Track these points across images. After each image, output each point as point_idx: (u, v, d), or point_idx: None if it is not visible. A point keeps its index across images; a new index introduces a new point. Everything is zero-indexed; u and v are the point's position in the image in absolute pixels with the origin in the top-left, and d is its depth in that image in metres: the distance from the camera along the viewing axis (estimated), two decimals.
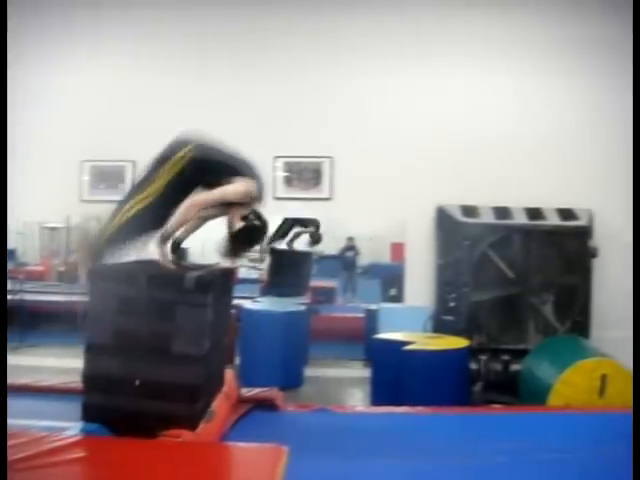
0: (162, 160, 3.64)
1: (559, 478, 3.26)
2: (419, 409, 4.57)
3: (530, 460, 3.49)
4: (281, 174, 7.15)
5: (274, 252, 8.42)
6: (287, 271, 8.30)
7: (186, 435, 3.17)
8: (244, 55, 7.26)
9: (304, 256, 8.57)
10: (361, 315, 7.85)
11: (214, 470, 3.00)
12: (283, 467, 2.89)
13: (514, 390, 5.78)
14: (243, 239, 3.71)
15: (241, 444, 3.31)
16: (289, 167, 7.18)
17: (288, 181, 7.19)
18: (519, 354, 6.07)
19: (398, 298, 7.40)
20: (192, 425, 3.24)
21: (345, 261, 9.35)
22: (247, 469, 3.05)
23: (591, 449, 3.68)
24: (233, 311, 5.09)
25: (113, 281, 3.40)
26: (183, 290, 3.31)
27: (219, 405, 3.68)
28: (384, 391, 5.49)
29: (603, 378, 5.03)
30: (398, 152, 7.14)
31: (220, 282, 3.64)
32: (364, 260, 9.33)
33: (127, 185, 6.44)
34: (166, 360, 3.28)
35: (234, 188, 3.62)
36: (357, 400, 6.22)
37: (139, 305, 3.32)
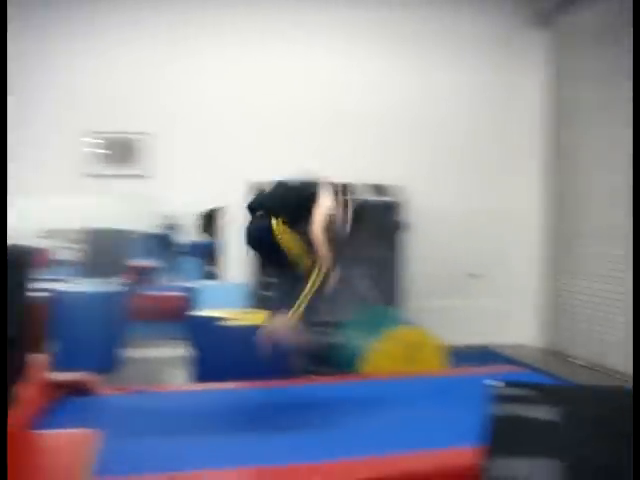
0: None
1: (389, 440, 3.44)
2: (238, 384, 4.62)
3: (353, 426, 3.68)
4: (99, 150, 6.96)
5: (90, 231, 8.15)
6: (103, 250, 8.06)
7: None
8: (64, 27, 7.01)
9: (121, 235, 8.35)
10: (182, 294, 7.78)
11: (16, 459, 2.86)
12: (93, 452, 2.84)
13: (331, 361, 5.96)
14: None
15: (48, 431, 3.20)
16: (110, 143, 7.00)
17: (109, 157, 7.01)
18: (335, 326, 6.25)
19: (219, 275, 7.41)
20: None
21: (166, 239, 9.21)
22: (53, 456, 2.95)
23: (409, 410, 3.97)
24: (44, 293, 4.90)
25: None
26: None
27: (23, 392, 3.53)
28: (204, 368, 5.48)
29: (413, 346, 5.30)
30: (221, 131, 7.15)
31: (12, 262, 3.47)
32: (185, 238, 9.23)
33: None
34: None
35: (326, 200, 4.16)
36: (179, 379, 6.18)
37: None
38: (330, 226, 4.12)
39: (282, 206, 4.18)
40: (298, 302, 3.97)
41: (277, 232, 4.01)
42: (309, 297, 3.95)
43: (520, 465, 1.74)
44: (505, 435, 1.88)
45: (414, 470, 3.12)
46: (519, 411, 1.98)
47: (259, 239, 4.17)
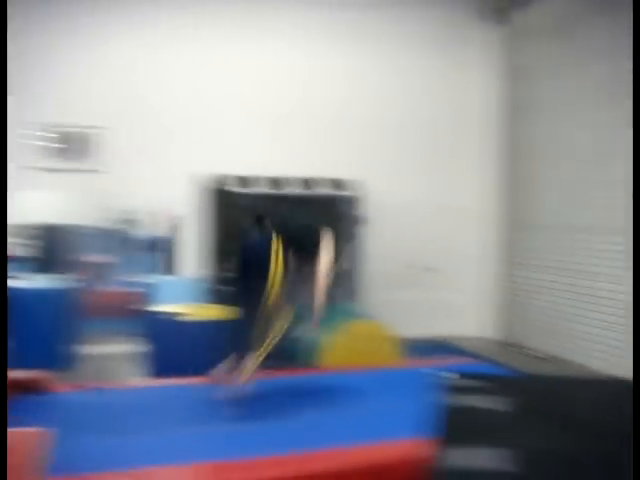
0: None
1: (344, 432, 3.48)
2: (194, 379, 4.60)
3: (308, 419, 3.71)
4: (52, 144, 6.86)
5: (43, 227, 8.04)
6: (57, 246, 7.96)
7: None
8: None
9: (75, 230, 8.24)
10: (138, 289, 7.71)
11: None
12: (46, 451, 2.80)
13: (289, 355, 5.96)
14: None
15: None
16: (64, 137, 6.91)
17: (63, 152, 6.92)
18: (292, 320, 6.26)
19: (173, 270, 7.36)
20: None
21: (121, 235, 9.12)
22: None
23: (365, 402, 4.06)
24: None
25: None
26: None
27: None
28: (161, 364, 5.45)
29: (369, 339, 5.32)
30: (177, 126, 7.10)
31: None
32: (141, 233, 9.15)
33: None
34: None
35: (328, 250, 4.14)
36: (135, 375, 6.13)
37: None
38: (329, 277, 4.11)
39: (290, 227, 4.14)
40: (264, 346, 3.91)
41: (273, 247, 3.95)
42: (275, 342, 3.90)
43: (473, 455, 1.76)
44: (458, 426, 1.90)
45: (368, 462, 3.15)
46: (472, 402, 2.01)
47: (253, 246, 4.12)
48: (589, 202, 6.59)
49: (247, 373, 3.85)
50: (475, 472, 1.72)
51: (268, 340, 3.91)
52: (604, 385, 2.62)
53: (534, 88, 7.48)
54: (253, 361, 3.88)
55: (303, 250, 4.11)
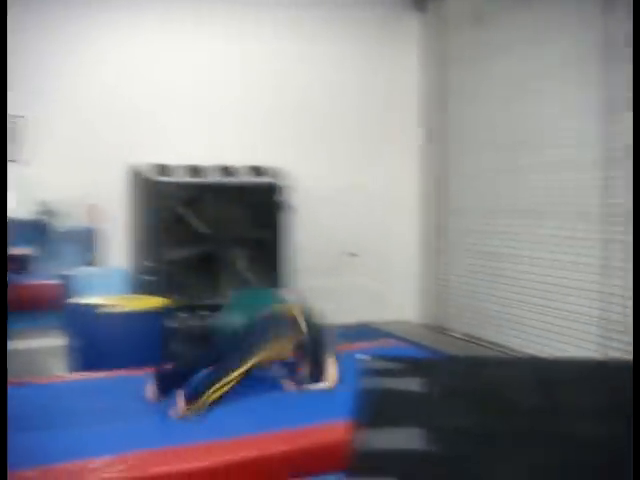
0: None
1: (267, 418, 3.53)
2: (118, 372, 4.56)
3: (231, 405, 3.71)
4: None
5: None
6: None
7: None
8: None
9: None
10: (60, 281, 7.57)
11: None
12: None
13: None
14: None
15: None
16: None
17: None
18: (217, 309, 6.25)
19: (96, 261, 7.24)
20: None
21: (42, 226, 8.92)
22: None
23: None
24: None
25: None
26: None
27: None
28: (84, 357, 5.37)
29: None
30: (100, 116, 6.97)
31: None
32: (65, 224, 8.97)
33: None
34: None
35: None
36: (58, 370, 6.03)
37: None
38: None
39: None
40: (217, 387, 3.75)
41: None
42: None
43: (389, 437, 1.80)
44: (375, 408, 1.93)
45: (294, 447, 3.20)
46: (389, 384, 2.05)
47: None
48: (510, 187, 6.74)
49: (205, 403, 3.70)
50: (393, 453, 1.76)
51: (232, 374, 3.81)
52: (523, 364, 2.71)
53: (456, 75, 7.60)
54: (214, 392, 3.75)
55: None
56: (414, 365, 2.35)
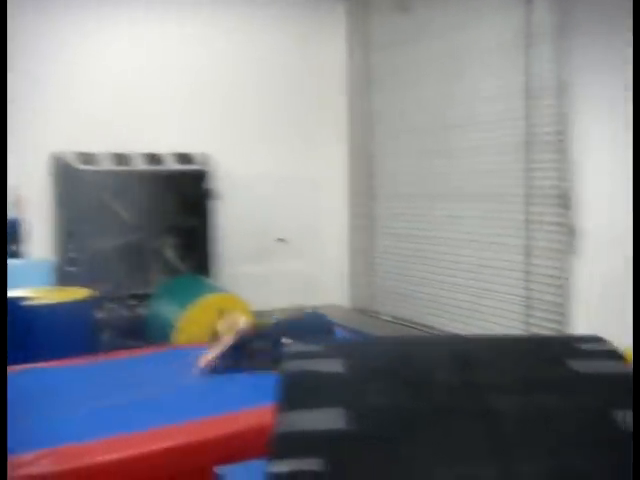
0: None
1: (195, 406, 3.51)
2: (46, 364, 4.51)
3: (158, 396, 3.71)
4: None
5: None
6: None
7: None
8: None
9: None
10: None
11: None
12: None
13: (142, 333, 5.91)
14: None
15: None
16: None
17: None
18: (146, 299, 6.19)
19: (21, 253, 7.08)
20: None
21: None
22: None
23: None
24: None
25: None
26: None
27: None
28: (9, 351, 5.26)
29: (222, 312, 5.34)
30: (23, 102, 6.78)
31: None
32: None
33: None
34: None
35: None
36: None
37: None
38: None
39: None
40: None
41: None
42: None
43: (311, 418, 1.82)
44: (296, 390, 1.96)
45: (219, 433, 3.21)
46: (310, 366, 2.07)
47: None
48: (436, 170, 6.82)
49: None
50: (315, 433, 1.78)
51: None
52: (442, 342, 2.76)
53: (382, 61, 7.64)
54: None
55: None
56: (335, 347, 2.38)
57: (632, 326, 3.02)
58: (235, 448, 3.15)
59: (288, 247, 7.91)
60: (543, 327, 5.60)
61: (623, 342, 2.45)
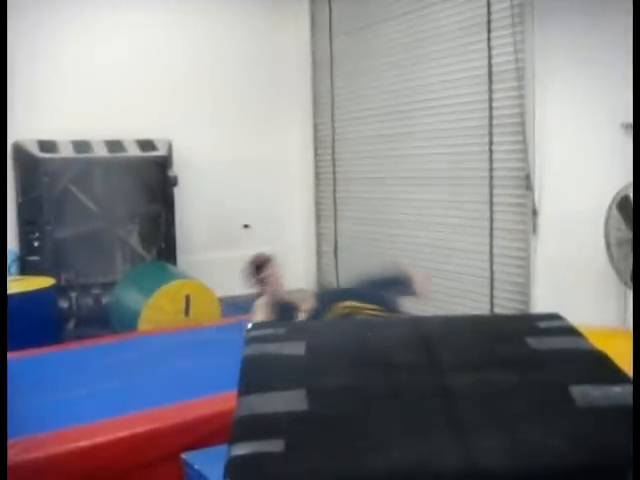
0: None
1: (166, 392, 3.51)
2: (9, 354, 4.45)
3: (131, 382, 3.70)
4: None
5: None
6: None
7: None
8: None
9: None
10: None
11: None
12: None
13: (107, 321, 5.87)
14: None
15: None
16: None
17: None
18: (110, 287, 6.14)
19: None
20: None
21: None
22: None
23: (185, 361, 4.13)
24: None
25: None
26: None
27: None
28: None
29: (187, 298, 5.34)
30: None
31: None
32: None
33: None
34: None
35: None
36: None
37: None
38: None
39: None
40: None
41: None
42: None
43: (272, 400, 1.82)
44: (255, 373, 1.96)
45: (193, 417, 3.22)
46: (268, 349, 2.07)
47: None
48: (400, 154, 6.85)
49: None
50: (276, 415, 1.78)
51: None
52: (402, 322, 2.78)
53: (344, 46, 7.64)
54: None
55: None
56: (294, 329, 2.38)
57: (632, 327, 3.06)
58: (203, 434, 3.16)
59: (253, 233, 7.89)
60: (507, 307, 5.66)
61: (580, 319, 2.48)
